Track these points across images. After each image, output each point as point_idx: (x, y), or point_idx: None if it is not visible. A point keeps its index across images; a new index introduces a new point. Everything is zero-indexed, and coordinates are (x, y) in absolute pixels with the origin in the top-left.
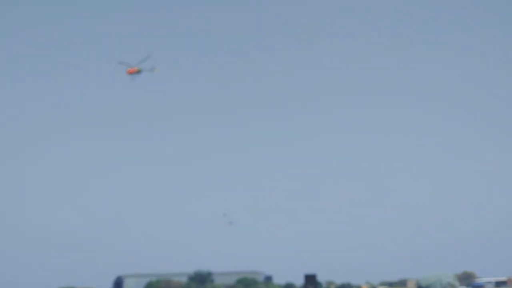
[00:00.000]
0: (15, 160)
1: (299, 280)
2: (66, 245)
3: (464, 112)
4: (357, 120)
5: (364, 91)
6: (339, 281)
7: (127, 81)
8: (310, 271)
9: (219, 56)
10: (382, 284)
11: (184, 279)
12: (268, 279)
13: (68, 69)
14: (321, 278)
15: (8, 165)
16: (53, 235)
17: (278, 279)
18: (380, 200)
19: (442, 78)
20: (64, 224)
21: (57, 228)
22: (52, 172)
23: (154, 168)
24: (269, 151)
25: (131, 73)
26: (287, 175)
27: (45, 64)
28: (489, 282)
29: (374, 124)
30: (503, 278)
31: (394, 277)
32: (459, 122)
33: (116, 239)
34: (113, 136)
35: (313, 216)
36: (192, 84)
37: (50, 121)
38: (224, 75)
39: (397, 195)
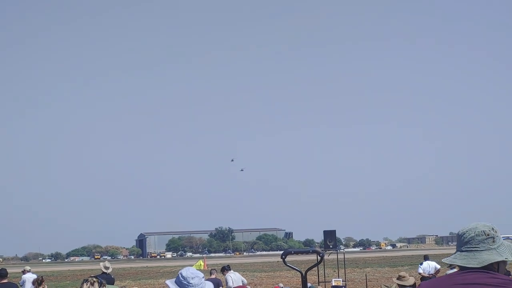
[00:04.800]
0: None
1: (319, 237)
2: (92, 205)
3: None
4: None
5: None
6: (358, 237)
7: None
8: (330, 228)
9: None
10: (401, 240)
11: (205, 236)
12: (288, 235)
13: None
14: (340, 234)
15: None
16: (79, 196)
17: (298, 236)
18: (398, 160)
19: None
20: (90, 186)
21: (83, 189)
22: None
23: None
24: (288, 111)
25: None
26: (307, 135)
27: None
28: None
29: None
30: None
31: (412, 234)
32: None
33: (139, 200)
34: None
35: (333, 175)
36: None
37: None
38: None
39: (415, 155)
